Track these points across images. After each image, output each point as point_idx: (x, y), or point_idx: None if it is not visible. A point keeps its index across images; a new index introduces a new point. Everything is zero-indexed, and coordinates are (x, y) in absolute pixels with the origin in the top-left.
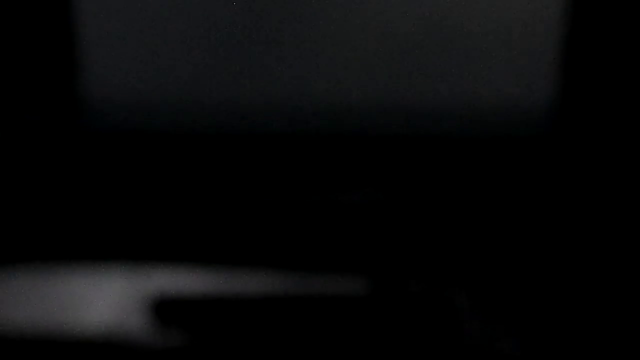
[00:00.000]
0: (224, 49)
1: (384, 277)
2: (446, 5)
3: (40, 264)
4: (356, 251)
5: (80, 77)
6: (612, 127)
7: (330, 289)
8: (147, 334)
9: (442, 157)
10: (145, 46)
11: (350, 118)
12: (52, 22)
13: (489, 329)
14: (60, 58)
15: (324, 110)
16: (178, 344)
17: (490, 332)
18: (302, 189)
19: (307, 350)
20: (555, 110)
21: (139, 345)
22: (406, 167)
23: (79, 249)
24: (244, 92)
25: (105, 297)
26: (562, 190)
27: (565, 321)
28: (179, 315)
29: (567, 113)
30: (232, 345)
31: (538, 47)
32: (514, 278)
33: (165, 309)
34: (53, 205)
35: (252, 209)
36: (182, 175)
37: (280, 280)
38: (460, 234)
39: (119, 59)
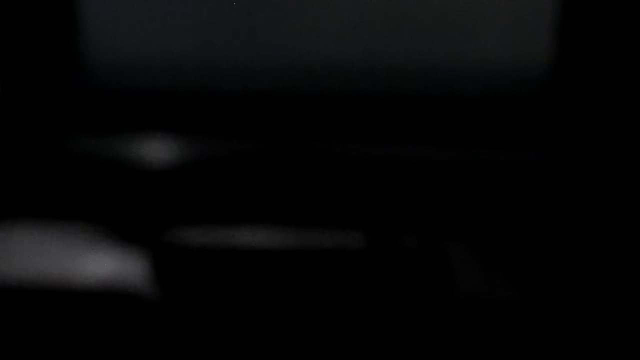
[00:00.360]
0: (224, 11)
1: (379, 231)
2: None
3: (40, 218)
4: (353, 206)
5: (80, 36)
6: (608, 87)
7: (328, 243)
8: (145, 285)
9: (440, 115)
10: (145, 5)
11: (351, 77)
12: None
13: (484, 278)
14: (60, 17)
15: (326, 69)
16: (175, 295)
17: (486, 282)
18: (299, 144)
19: (303, 303)
20: (551, 70)
21: (138, 295)
22: (404, 125)
23: (77, 204)
24: (245, 52)
25: (104, 249)
26: (558, 148)
27: (561, 271)
28: (176, 267)
29: (563, 73)
30: (227, 297)
31: (534, 8)
32: (509, 230)
33: (163, 261)
34: (54, 161)
35: (250, 165)
36: (180, 133)
37: (278, 233)
38: (456, 188)
39: (118, 19)
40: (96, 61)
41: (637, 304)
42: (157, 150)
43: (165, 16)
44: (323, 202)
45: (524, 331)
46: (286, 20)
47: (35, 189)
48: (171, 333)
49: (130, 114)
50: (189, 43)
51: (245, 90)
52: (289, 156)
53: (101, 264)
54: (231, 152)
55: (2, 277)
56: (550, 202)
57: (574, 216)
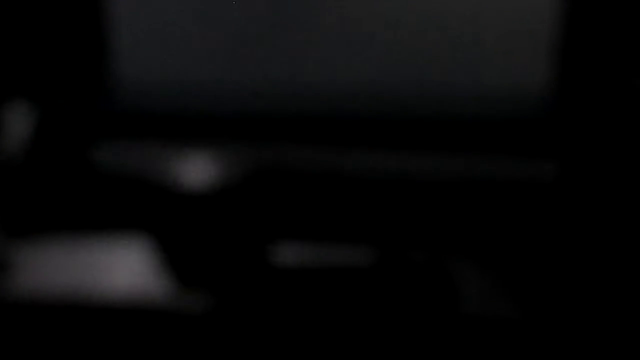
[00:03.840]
0: (246, 38)
1: (388, 247)
2: (456, 3)
3: (70, 234)
4: (364, 223)
5: (111, 61)
6: (605, 111)
7: (340, 259)
8: (168, 299)
9: (443, 136)
10: (174, 31)
11: (366, 100)
12: (85, 9)
13: (486, 295)
14: (93, 42)
15: (347, 93)
16: (197, 308)
17: (487, 298)
18: (317, 166)
19: (317, 314)
20: (551, 95)
21: (160, 308)
22: (414, 147)
23: (105, 221)
24: (269, 75)
25: (127, 264)
26: (557, 165)
27: (559, 287)
28: (198, 280)
29: (563, 98)
30: (247, 308)
31: (535, 39)
32: (511, 247)
33: (185, 275)
34: (84, 181)
35: (269, 184)
36: (201, 152)
37: (295, 249)
38: (461, 207)
39: (148, 43)
40: (124, 84)
41: (634, 318)
42: (181, 167)
43: (189, 43)
44: (330, 218)
45: (526, 346)
46: (296, 48)
47: (66, 205)
48: (195, 345)
49: (155, 133)
50: (213, 67)
51: (265, 110)
52: (308, 178)
53: (126, 277)
54: (251, 169)
55: (32, 290)
56: (548, 219)
57: (572, 232)
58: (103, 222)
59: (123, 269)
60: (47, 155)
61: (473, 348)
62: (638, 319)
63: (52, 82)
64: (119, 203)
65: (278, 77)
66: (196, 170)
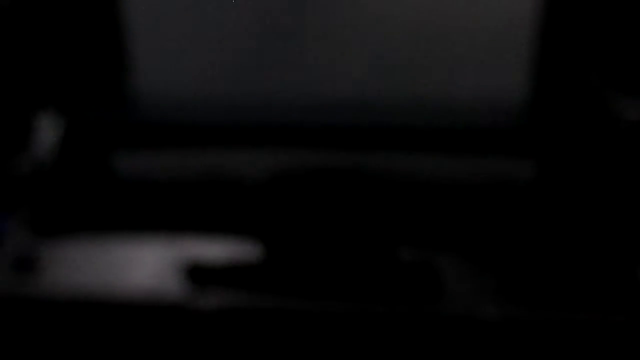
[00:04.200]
0: (261, 53)
1: (378, 245)
2: (438, 17)
3: (92, 236)
4: (355, 223)
5: (131, 76)
6: (579, 119)
7: (335, 259)
8: (181, 296)
9: (429, 142)
10: (188, 49)
11: (357, 109)
12: (108, 31)
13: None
14: (115, 60)
15: (343, 102)
16: (208, 304)
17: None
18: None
19: (313, 310)
20: (528, 104)
21: (174, 305)
22: (402, 150)
23: (125, 223)
24: (278, 87)
25: (145, 264)
26: (536, 170)
27: (541, 288)
28: (208, 279)
29: (539, 106)
30: (253, 303)
31: (514, 52)
32: (495, 248)
33: (197, 274)
34: (106, 185)
35: (269, 190)
36: (214, 160)
37: (293, 250)
38: (447, 209)
39: (165, 60)
40: (142, 97)
41: (621, 314)
42: (195, 173)
43: (202, 59)
44: (329, 221)
45: (511, 344)
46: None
47: (90, 207)
48: (209, 342)
49: (171, 142)
50: (225, 80)
51: (277, 121)
52: (302, 182)
53: (144, 275)
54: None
55: (59, 286)
56: (525, 217)
57: (547, 228)
58: (123, 224)
59: (141, 267)
60: (73, 162)
61: (457, 347)
62: (619, 315)
63: (78, 94)
64: (138, 206)
65: (286, 89)
66: (209, 175)
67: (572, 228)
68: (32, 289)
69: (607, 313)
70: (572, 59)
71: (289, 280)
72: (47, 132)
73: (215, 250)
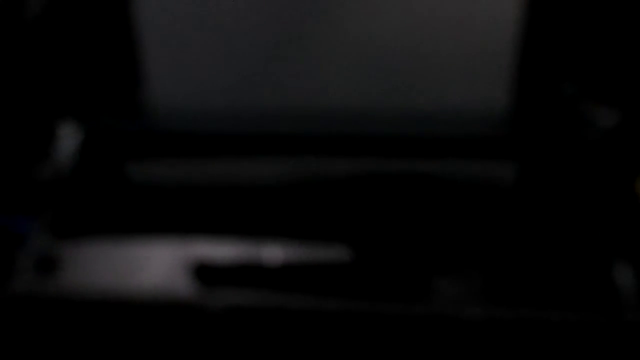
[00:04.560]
0: (269, 65)
1: (367, 248)
2: (424, 31)
3: (109, 238)
4: (346, 226)
5: (146, 87)
6: (557, 127)
7: (325, 258)
8: (192, 296)
9: (416, 153)
10: (201, 61)
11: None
12: (124, 46)
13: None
14: (130, 73)
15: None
16: (216, 302)
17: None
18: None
19: (308, 306)
20: (510, 114)
21: (184, 303)
22: (389, 160)
23: (139, 226)
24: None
25: (158, 264)
26: (518, 175)
27: (525, 289)
28: (216, 278)
29: (520, 115)
30: (261, 304)
31: (496, 63)
32: (481, 253)
33: (207, 274)
34: (122, 190)
35: (269, 196)
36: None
37: (290, 250)
38: (435, 212)
39: (177, 71)
40: (157, 108)
41: (597, 314)
42: (207, 180)
43: (214, 70)
44: (324, 225)
45: (497, 344)
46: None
47: (106, 211)
48: (218, 339)
49: (184, 150)
50: (237, 90)
51: (283, 128)
52: (300, 188)
53: (155, 275)
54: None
55: (77, 284)
56: (512, 222)
57: (536, 241)
58: (137, 227)
59: (153, 267)
60: (91, 168)
61: (443, 347)
62: (595, 314)
63: (97, 105)
64: (151, 210)
65: (295, 98)
66: (219, 182)
67: (552, 230)
68: (53, 287)
69: (584, 312)
70: (551, 72)
71: (284, 280)
72: (67, 140)
73: (223, 251)
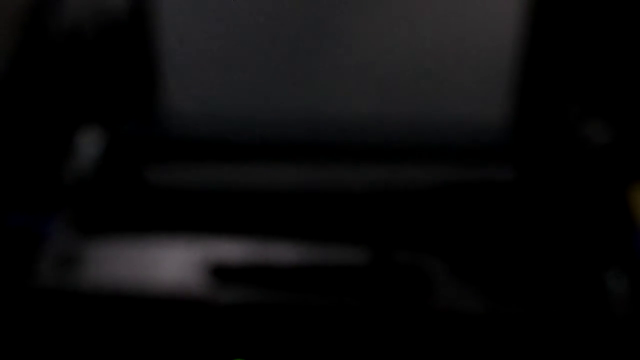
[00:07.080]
0: (283, 72)
1: (374, 248)
2: (426, 45)
3: (127, 237)
4: (355, 228)
5: (165, 95)
6: (554, 139)
7: (337, 259)
8: (204, 292)
9: (420, 159)
10: (217, 68)
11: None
12: (143, 56)
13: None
14: (150, 80)
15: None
16: (228, 300)
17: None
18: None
19: (318, 304)
20: (509, 124)
21: (198, 300)
22: (394, 166)
23: (156, 226)
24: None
25: (173, 262)
26: (516, 181)
27: (523, 286)
28: (228, 276)
29: (520, 127)
30: (269, 300)
31: (496, 75)
32: (481, 249)
33: (219, 272)
34: (141, 193)
35: (280, 200)
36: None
37: (299, 250)
38: (435, 217)
39: (195, 79)
40: (175, 114)
41: (602, 315)
42: (221, 184)
43: (231, 77)
44: (335, 227)
45: (498, 340)
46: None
47: (126, 213)
48: (230, 334)
49: (201, 155)
50: (253, 96)
51: (298, 135)
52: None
53: (171, 273)
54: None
55: (96, 280)
56: (510, 225)
57: (534, 240)
58: (154, 227)
59: (169, 265)
60: (112, 171)
61: (449, 343)
62: (587, 314)
63: (118, 112)
64: (168, 211)
65: (306, 106)
66: (235, 186)
67: (547, 237)
68: (73, 282)
69: (576, 312)
70: (549, 88)
71: (291, 278)
72: (89, 145)
73: (235, 251)
